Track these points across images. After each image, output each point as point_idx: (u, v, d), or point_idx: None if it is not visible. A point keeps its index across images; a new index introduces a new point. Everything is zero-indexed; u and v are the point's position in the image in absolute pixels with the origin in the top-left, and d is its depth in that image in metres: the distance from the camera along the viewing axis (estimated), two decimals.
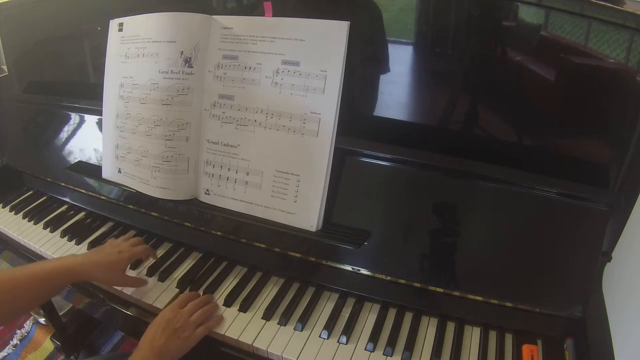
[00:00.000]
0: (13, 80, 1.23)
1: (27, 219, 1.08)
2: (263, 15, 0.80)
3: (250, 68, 0.81)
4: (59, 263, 0.77)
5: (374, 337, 0.73)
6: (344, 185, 0.79)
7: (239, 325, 0.77)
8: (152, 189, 0.90)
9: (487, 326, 0.75)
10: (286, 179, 0.80)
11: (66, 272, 0.76)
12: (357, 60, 0.76)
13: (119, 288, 0.85)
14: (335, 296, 0.82)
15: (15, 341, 1.53)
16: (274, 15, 0.80)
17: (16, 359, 1.48)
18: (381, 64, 0.79)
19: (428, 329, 0.75)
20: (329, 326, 0.75)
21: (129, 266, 0.87)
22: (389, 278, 0.77)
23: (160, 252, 0.95)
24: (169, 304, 0.81)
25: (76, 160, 1.07)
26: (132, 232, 1.01)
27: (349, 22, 0.73)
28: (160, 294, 0.84)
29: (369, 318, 0.77)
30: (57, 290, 0.78)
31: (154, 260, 0.91)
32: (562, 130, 0.72)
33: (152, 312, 0.82)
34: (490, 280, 0.72)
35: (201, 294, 0.84)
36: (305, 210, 0.79)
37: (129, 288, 0.85)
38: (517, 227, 0.72)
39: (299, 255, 0.82)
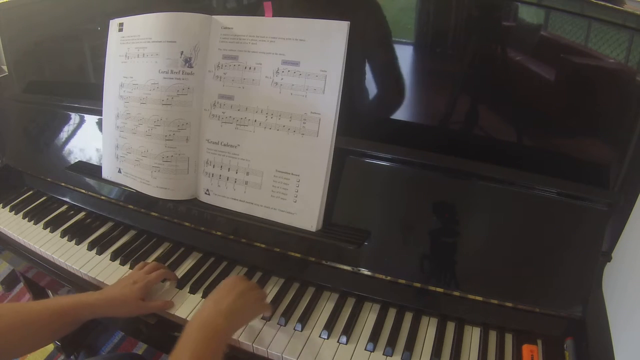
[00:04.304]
0: (13, 80, 1.23)
1: (27, 219, 1.08)
2: (263, 15, 0.80)
3: (250, 68, 0.81)
4: (76, 299, 0.76)
5: (374, 337, 0.73)
6: (344, 185, 0.79)
7: None
8: (152, 189, 0.90)
9: (487, 326, 0.75)
10: (286, 179, 0.80)
11: (83, 308, 0.74)
12: (358, 59, 0.76)
13: None
14: (335, 296, 0.82)
15: None
16: (274, 15, 0.80)
17: (16, 359, 1.47)
18: (384, 64, 0.79)
19: (428, 329, 0.75)
20: (329, 326, 0.75)
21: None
22: (389, 278, 0.77)
23: (160, 252, 0.95)
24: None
25: (76, 160, 1.07)
26: (132, 233, 1.01)
27: (348, 22, 0.73)
28: (160, 294, 0.84)
29: (369, 318, 0.77)
30: (74, 326, 0.75)
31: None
32: (562, 130, 0.72)
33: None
34: (490, 281, 0.72)
35: (202, 294, 0.84)
36: (305, 210, 0.79)
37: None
38: (517, 227, 0.72)
39: (299, 255, 0.82)
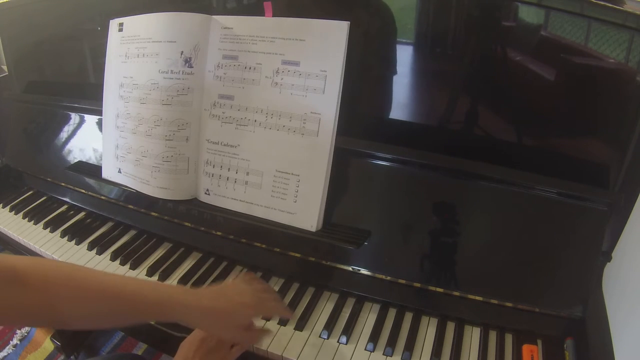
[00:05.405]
0: (13, 80, 1.23)
1: (27, 219, 1.08)
2: (263, 15, 0.80)
3: (250, 68, 0.81)
4: (167, 295, 0.59)
5: (374, 337, 0.73)
6: (344, 185, 0.79)
7: None
8: (152, 189, 0.90)
9: (487, 326, 0.75)
10: (286, 179, 0.80)
11: (170, 309, 0.58)
12: (360, 60, 0.76)
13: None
14: (335, 296, 0.82)
15: (15, 341, 1.52)
16: (274, 15, 0.80)
17: (16, 359, 1.48)
18: (388, 65, 0.79)
19: (428, 329, 0.75)
20: (329, 326, 0.75)
21: None
22: (389, 278, 0.77)
23: (160, 252, 0.95)
24: None
25: (76, 160, 1.06)
26: (132, 233, 1.01)
27: (348, 22, 0.73)
28: None
29: (369, 318, 0.77)
30: (142, 321, 0.61)
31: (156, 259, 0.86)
32: (562, 130, 0.72)
33: None
34: (490, 281, 0.72)
35: None
36: (305, 210, 0.79)
37: None
38: (517, 227, 0.72)
39: (299, 255, 0.82)
